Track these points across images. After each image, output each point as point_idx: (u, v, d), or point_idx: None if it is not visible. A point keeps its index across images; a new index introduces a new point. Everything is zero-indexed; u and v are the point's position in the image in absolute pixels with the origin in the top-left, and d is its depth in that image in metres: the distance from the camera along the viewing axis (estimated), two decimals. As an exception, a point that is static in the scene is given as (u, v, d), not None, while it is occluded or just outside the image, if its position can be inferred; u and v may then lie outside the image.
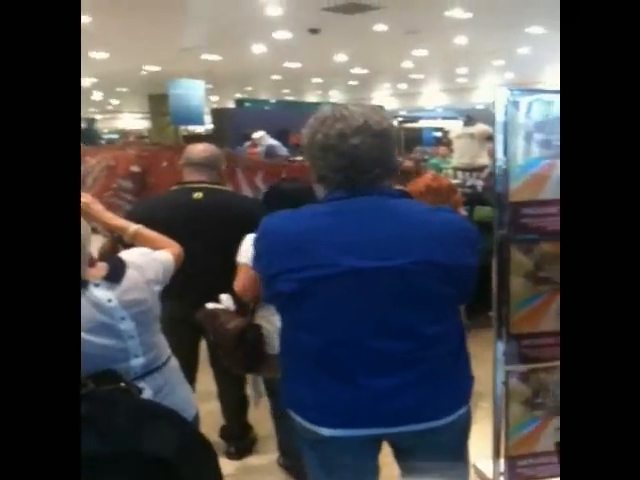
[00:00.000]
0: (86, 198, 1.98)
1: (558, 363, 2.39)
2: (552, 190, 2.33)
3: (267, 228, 1.58)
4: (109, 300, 1.61)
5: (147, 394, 1.63)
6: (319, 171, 1.55)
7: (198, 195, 2.70)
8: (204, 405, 2.96)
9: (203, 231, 2.60)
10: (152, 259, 1.82)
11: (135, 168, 4.18)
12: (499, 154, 2.34)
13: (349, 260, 1.46)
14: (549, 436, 2.49)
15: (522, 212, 2.35)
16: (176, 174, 2.95)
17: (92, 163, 4.32)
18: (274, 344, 2.32)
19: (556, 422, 2.50)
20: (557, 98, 2.32)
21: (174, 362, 1.87)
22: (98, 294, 1.60)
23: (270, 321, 2.33)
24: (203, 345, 2.87)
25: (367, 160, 1.49)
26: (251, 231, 2.39)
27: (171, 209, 2.65)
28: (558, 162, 2.32)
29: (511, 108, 2.32)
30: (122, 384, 1.46)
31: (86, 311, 1.54)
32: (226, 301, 2.39)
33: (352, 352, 1.51)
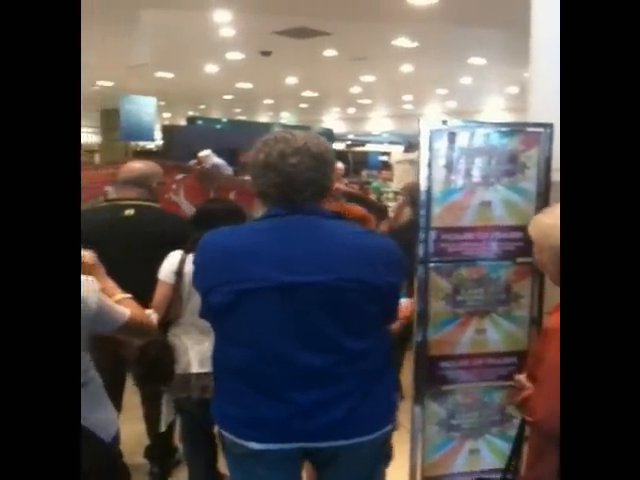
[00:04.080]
0: (89, 259, 1.85)
1: (473, 385, 2.51)
2: (470, 217, 2.43)
3: (205, 244, 1.65)
4: None
5: None
6: (259, 187, 1.64)
7: (129, 212, 2.72)
8: (132, 426, 2.92)
9: (134, 248, 2.61)
10: (105, 304, 1.74)
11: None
12: (422, 181, 2.42)
13: (278, 275, 1.51)
14: (464, 457, 2.55)
15: (442, 237, 2.43)
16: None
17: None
18: (184, 363, 2.32)
19: (471, 444, 2.57)
20: (479, 130, 2.44)
21: (96, 383, 1.83)
22: None
23: (181, 340, 2.33)
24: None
25: (303, 179, 1.57)
26: (176, 248, 2.40)
27: (102, 225, 2.65)
28: (477, 190, 2.43)
29: (435, 138, 2.41)
30: None
31: None
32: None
33: (279, 366, 1.55)
